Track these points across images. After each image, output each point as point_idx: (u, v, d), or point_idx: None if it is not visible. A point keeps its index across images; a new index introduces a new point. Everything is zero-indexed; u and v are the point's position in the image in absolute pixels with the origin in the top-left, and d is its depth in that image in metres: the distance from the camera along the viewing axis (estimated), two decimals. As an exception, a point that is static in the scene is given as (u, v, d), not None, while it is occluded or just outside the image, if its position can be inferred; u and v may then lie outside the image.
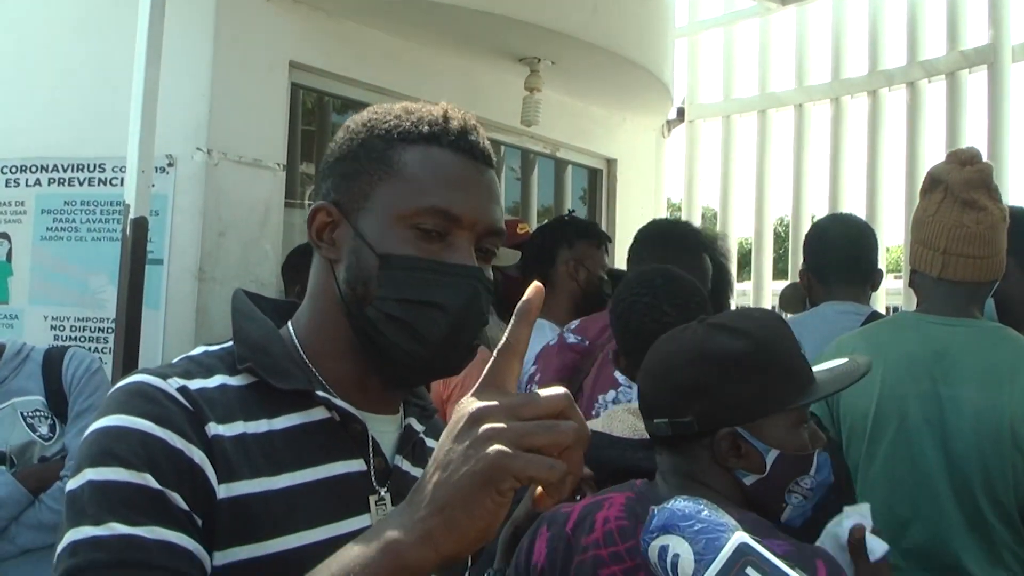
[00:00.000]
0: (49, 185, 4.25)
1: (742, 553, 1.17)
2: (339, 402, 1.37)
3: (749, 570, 1.15)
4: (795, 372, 1.85)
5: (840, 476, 2.22)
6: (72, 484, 1.21)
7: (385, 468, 1.42)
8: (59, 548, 1.18)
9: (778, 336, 1.87)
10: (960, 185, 2.66)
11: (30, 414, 3.16)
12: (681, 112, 7.31)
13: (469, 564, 1.66)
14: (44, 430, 3.15)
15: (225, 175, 4.14)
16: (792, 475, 1.82)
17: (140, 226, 3.49)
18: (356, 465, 1.38)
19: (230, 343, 1.41)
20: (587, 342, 3.26)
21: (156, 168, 3.71)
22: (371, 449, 1.40)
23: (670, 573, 1.21)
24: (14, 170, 4.30)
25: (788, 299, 4.03)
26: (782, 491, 1.82)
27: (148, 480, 1.18)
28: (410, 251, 1.34)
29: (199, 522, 1.21)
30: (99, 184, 4.19)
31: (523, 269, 3.96)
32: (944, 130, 6.07)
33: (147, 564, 1.15)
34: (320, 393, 1.36)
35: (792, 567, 1.18)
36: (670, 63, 6.27)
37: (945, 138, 6.02)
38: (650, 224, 3.67)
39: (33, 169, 4.27)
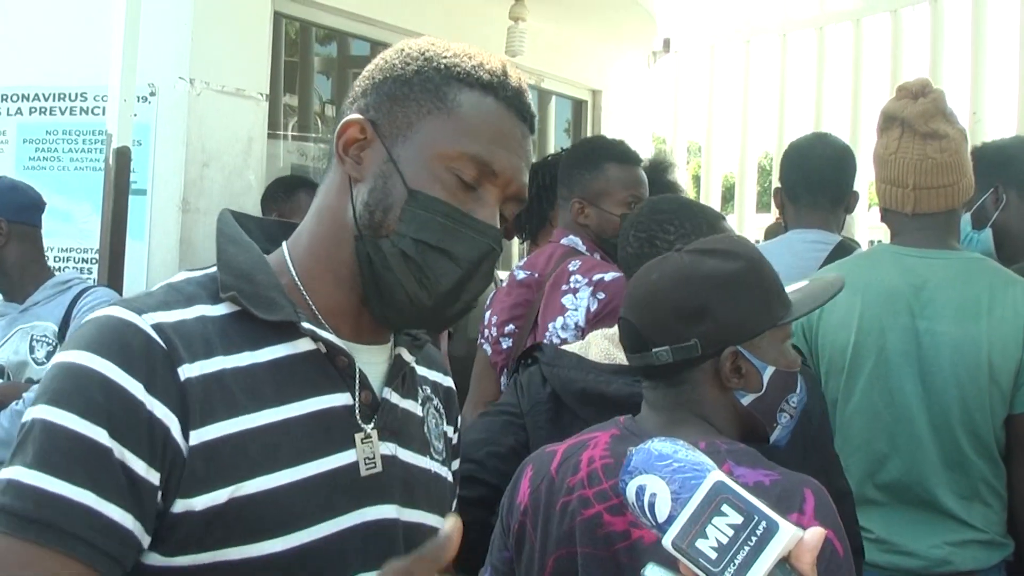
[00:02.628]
0: (31, 114, 4.22)
1: (718, 492, 1.18)
2: (325, 334, 1.33)
3: (725, 507, 1.17)
4: (780, 289, 1.88)
5: (819, 412, 2.26)
6: (28, 414, 1.19)
7: (373, 401, 1.39)
8: (2, 473, 1.17)
9: (760, 256, 1.89)
10: (917, 118, 2.65)
11: (37, 337, 3.30)
12: (667, 43, 7.26)
13: None
14: (41, 355, 3.27)
15: (208, 105, 4.11)
16: (784, 393, 1.85)
17: (123, 155, 3.48)
18: (342, 399, 1.35)
19: (214, 268, 1.36)
20: (536, 274, 3.28)
21: (138, 97, 3.69)
22: (358, 382, 1.37)
23: (647, 512, 1.22)
24: (-6, 99, 4.27)
25: (771, 231, 4.03)
26: (775, 410, 1.85)
27: (99, 435, 1.15)
28: (441, 193, 1.31)
29: (155, 479, 1.18)
30: (81, 113, 4.16)
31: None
32: (928, 58, 6.04)
33: (60, 528, 1.12)
34: (305, 325, 1.32)
35: (771, 503, 1.20)
36: (655, -8, 6.23)
37: (929, 66, 5.99)
38: (575, 146, 3.63)
39: (14, 98, 4.23)
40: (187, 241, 4.02)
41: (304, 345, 1.34)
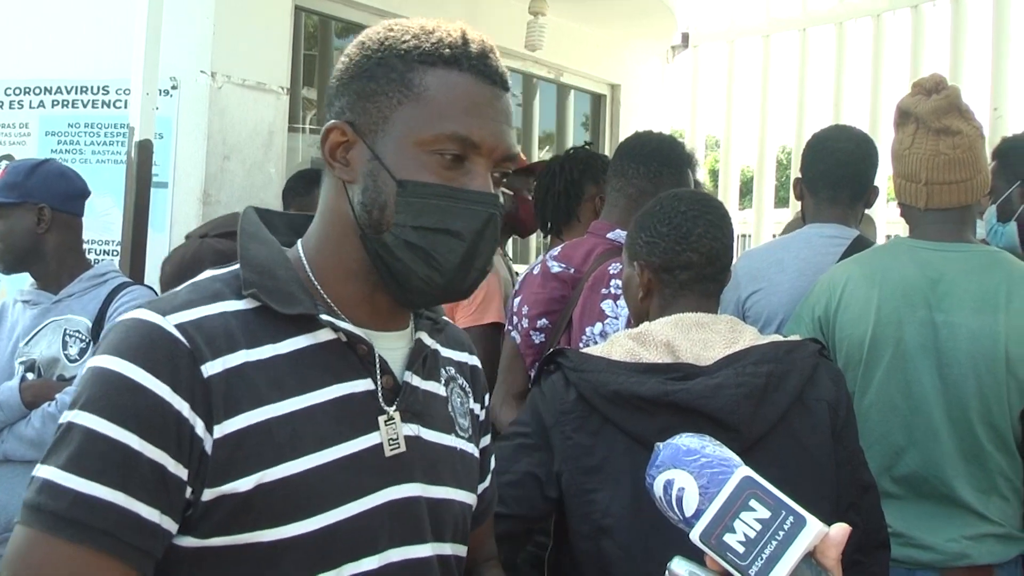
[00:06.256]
0: (53, 107, 4.25)
1: (746, 486, 1.19)
2: (344, 324, 1.39)
3: (753, 502, 1.18)
4: None
5: (845, 405, 2.24)
6: (64, 417, 1.25)
7: (394, 386, 1.44)
8: (35, 471, 1.23)
9: None
10: (930, 114, 2.65)
11: (71, 332, 3.24)
12: (685, 37, 7.25)
13: None
14: (74, 351, 3.22)
15: (229, 98, 4.14)
16: None
17: (145, 149, 3.51)
18: (364, 385, 1.40)
19: (237, 266, 1.41)
20: (572, 269, 3.17)
21: (160, 91, 3.70)
22: (378, 368, 1.42)
23: (675, 507, 1.23)
24: (17, 92, 4.30)
25: (790, 228, 4.02)
26: None
27: (129, 438, 1.21)
28: (428, 177, 1.35)
29: (183, 474, 1.24)
30: (103, 106, 4.19)
31: (538, 196, 3.90)
32: (948, 53, 6.02)
33: (92, 527, 1.19)
34: (324, 316, 1.38)
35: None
36: (675, -14, 6.23)
37: (949, 61, 5.97)
38: (633, 138, 3.42)
39: (36, 91, 4.26)
40: (208, 233, 4.04)
41: (324, 335, 1.39)
